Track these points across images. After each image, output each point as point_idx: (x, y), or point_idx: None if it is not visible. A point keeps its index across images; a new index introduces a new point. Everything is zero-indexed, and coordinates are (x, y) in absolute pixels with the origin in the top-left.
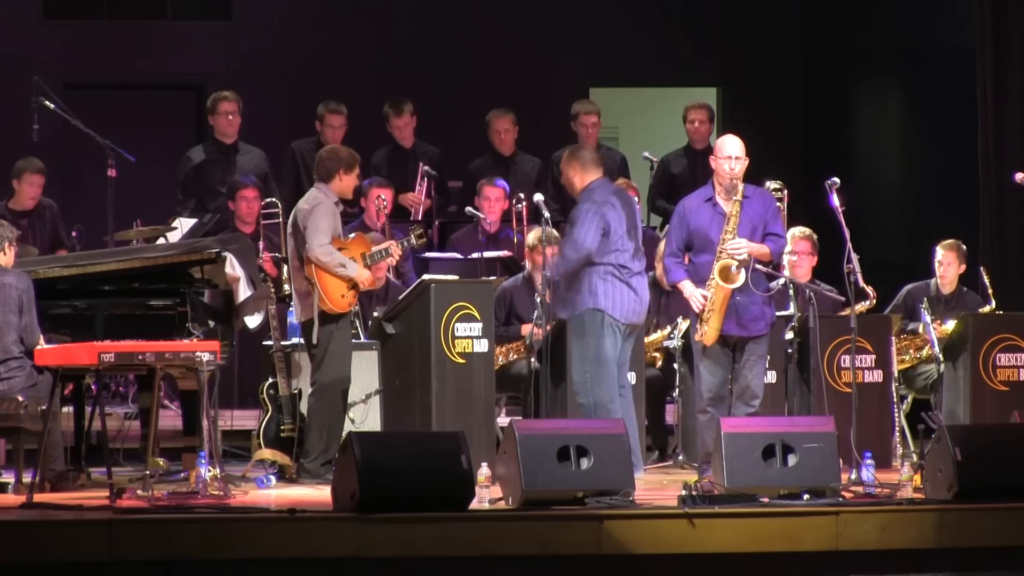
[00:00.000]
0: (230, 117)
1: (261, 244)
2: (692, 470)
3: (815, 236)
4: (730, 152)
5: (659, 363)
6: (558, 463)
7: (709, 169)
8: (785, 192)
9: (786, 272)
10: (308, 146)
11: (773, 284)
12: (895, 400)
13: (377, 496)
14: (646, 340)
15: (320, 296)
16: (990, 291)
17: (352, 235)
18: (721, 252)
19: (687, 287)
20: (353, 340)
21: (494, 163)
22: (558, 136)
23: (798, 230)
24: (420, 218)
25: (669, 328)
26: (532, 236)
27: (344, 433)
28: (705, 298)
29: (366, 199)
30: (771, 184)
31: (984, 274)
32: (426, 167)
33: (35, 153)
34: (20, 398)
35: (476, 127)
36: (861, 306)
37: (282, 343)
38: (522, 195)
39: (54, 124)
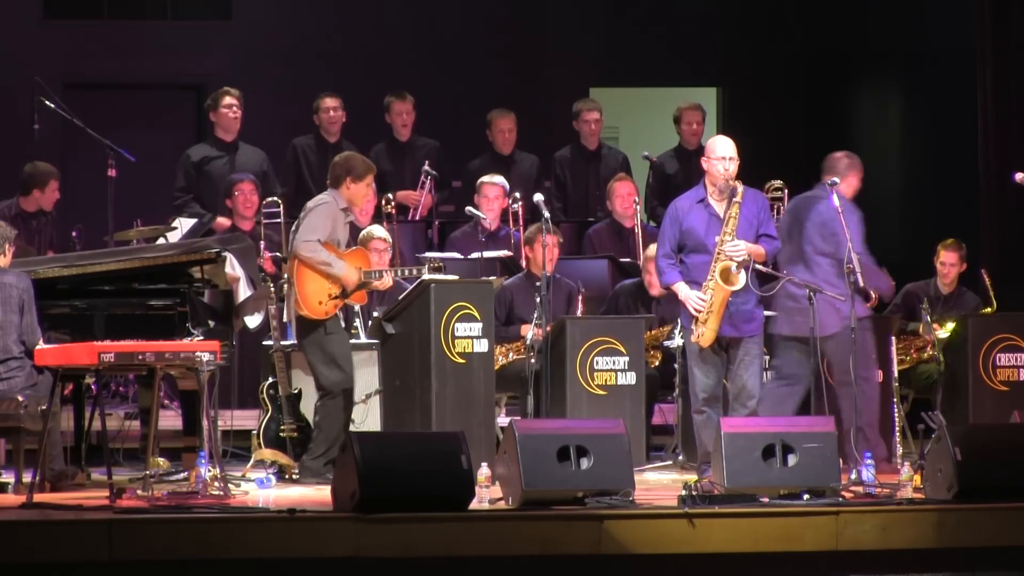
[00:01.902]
0: (234, 109)
1: (262, 243)
2: (692, 470)
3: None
4: (723, 153)
5: (656, 363)
6: (558, 463)
7: (702, 170)
8: (785, 192)
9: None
10: (309, 143)
11: (771, 285)
12: (895, 400)
13: (377, 496)
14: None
15: (296, 299)
16: (991, 293)
17: (353, 247)
18: (720, 254)
19: (682, 289)
20: (353, 340)
21: (493, 162)
22: (558, 136)
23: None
24: (421, 216)
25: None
26: (529, 231)
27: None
28: (703, 300)
29: None
30: (772, 184)
31: (985, 276)
32: (426, 167)
33: (35, 153)
34: (20, 398)
35: (476, 127)
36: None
37: (282, 343)
38: (518, 195)
39: (54, 124)
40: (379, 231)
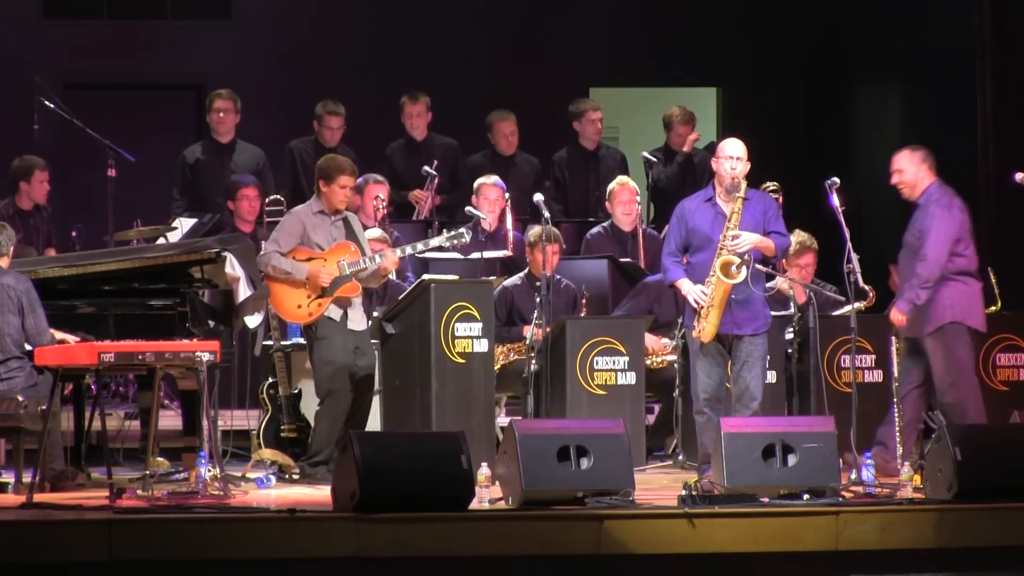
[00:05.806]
0: (221, 115)
1: (263, 243)
2: (692, 470)
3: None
4: (731, 153)
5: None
6: (558, 463)
7: (693, 172)
8: (780, 193)
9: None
10: (306, 146)
11: (771, 284)
12: (895, 400)
13: (377, 496)
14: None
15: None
16: (996, 291)
17: (336, 241)
18: (722, 248)
19: (685, 284)
20: None
21: (493, 162)
22: (558, 136)
23: None
24: (426, 216)
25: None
26: (532, 234)
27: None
28: (704, 294)
29: (362, 196)
30: (767, 185)
31: (992, 274)
32: (426, 167)
33: (35, 153)
34: (20, 398)
35: (476, 127)
36: (860, 304)
37: (282, 343)
38: (509, 195)
39: (54, 124)
40: (374, 232)
